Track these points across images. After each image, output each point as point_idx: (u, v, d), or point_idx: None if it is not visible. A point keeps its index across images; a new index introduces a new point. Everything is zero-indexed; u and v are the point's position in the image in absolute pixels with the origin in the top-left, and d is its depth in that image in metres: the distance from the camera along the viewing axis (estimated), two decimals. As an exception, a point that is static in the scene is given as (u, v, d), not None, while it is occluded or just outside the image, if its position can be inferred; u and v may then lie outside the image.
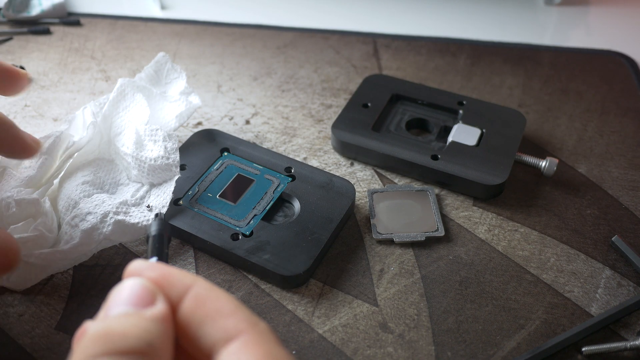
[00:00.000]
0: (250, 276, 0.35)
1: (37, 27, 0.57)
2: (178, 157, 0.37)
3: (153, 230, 0.26)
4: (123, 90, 0.40)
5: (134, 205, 0.36)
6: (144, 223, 0.35)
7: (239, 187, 0.39)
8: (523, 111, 0.48)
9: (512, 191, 0.41)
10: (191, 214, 0.36)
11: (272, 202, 0.38)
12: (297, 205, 0.38)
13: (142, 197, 0.37)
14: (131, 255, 0.36)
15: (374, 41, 0.57)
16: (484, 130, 0.43)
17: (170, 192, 0.36)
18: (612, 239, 0.37)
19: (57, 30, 0.58)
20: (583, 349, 0.32)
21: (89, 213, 0.34)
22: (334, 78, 0.52)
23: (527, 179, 0.42)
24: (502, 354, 0.32)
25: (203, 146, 0.41)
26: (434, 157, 0.41)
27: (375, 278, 0.35)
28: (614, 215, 0.39)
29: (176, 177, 0.37)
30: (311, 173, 0.39)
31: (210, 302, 0.19)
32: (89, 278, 0.35)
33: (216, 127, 0.46)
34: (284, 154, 0.43)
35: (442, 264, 0.36)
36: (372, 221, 0.38)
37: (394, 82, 0.48)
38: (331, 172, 0.42)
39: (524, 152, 0.43)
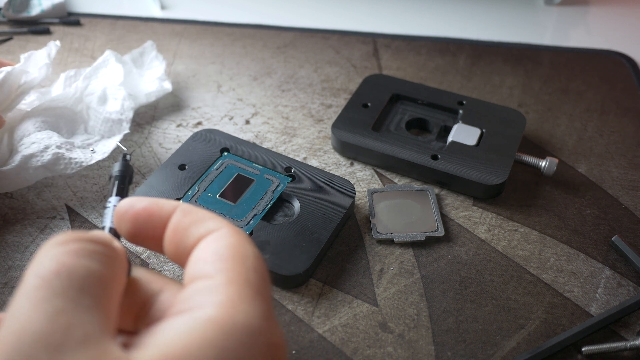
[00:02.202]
0: (250, 276, 0.35)
1: (37, 27, 0.57)
2: (131, 116, 0.42)
3: (117, 170, 0.26)
4: (107, 60, 0.45)
5: (80, 147, 0.39)
6: (83, 161, 0.38)
7: (238, 187, 0.39)
8: (523, 111, 0.48)
9: (512, 191, 0.41)
10: (191, 214, 0.36)
11: (272, 202, 0.38)
12: (297, 205, 0.38)
13: (90, 145, 0.40)
14: (130, 255, 0.36)
15: (374, 41, 0.57)
16: (483, 130, 0.43)
17: (116, 142, 0.40)
18: (612, 239, 0.37)
19: (57, 30, 0.58)
20: (583, 349, 0.31)
21: (33, 142, 0.38)
22: (334, 78, 0.52)
23: (527, 179, 0.42)
24: (502, 353, 0.32)
25: (203, 146, 0.41)
26: (434, 157, 0.41)
27: (375, 278, 0.35)
28: (614, 215, 0.39)
29: (125, 132, 0.41)
30: (311, 173, 0.39)
31: (194, 212, 0.22)
32: (89, 278, 0.35)
33: (216, 127, 0.46)
34: (283, 153, 0.43)
35: (442, 264, 0.36)
36: (372, 221, 0.38)
37: (394, 82, 0.48)
38: (331, 172, 0.42)
39: (524, 152, 0.43)
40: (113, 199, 0.24)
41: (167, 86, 0.47)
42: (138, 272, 0.23)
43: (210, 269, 0.20)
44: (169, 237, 0.22)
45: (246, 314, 0.18)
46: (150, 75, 0.48)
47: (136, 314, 0.21)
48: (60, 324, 0.16)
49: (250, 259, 0.21)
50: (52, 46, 0.43)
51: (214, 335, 0.18)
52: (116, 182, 0.25)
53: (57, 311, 0.17)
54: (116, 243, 0.21)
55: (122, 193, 0.25)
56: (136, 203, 0.23)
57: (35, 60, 0.43)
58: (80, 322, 0.17)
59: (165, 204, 0.23)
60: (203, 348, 0.17)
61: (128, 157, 0.27)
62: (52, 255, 0.18)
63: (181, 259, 0.22)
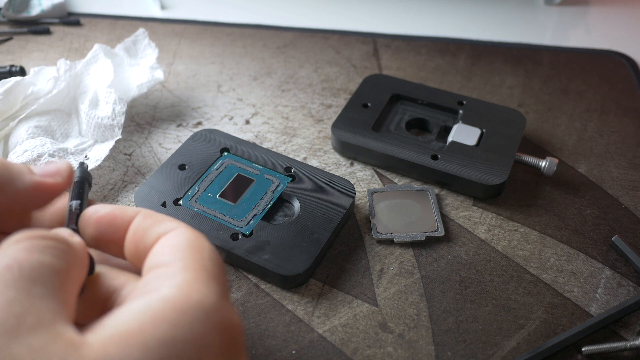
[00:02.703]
0: (250, 276, 0.35)
1: (37, 27, 0.57)
2: (122, 121, 0.41)
3: (76, 176, 0.27)
4: (97, 55, 0.45)
5: (73, 153, 0.39)
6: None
7: (239, 187, 0.39)
8: (523, 111, 0.48)
9: (512, 191, 0.41)
10: (191, 214, 0.36)
11: (272, 202, 0.38)
12: (297, 205, 0.38)
13: (84, 150, 0.40)
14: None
15: (374, 41, 0.57)
16: (484, 130, 0.43)
17: (108, 149, 0.40)
18: (612, 239, 0.37)
19: (57, 30, 0.58)
20: (583, 349, 0.32)
21: (26, 151, 0.37)
22: (334, 78, 0.52)
23: (527, 179, 0.42)
24: (502, 353, 0.32)
25: (203, 146, 0.41)
26: (434, 157, 0.41)
27: (375, 278, 0.35)
28: (614, 215, 0.39)
29: (117, 138, 0.41)
30: (311, 173, 0.39)
31: (155, 216, 0.23)
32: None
33: (216, 127, 0.46)
34: (284, 154, 0.43)
35: (442, 264, 0.36)
36: (372, 221, 0.38)
37: (394, 82, 0.48)
38: (331, 172, 0.42)
39: (524, 152, 0.43)
40: (74, 202, 0.26)
41: (159, 75, 0.46)
42: (101, 269, 0.23)
43: (168, 259, 0.21)
44: (130, 239, 0.23)
45: (201, 293, 0.19)
46: (143, 64, 0.47)
47: (100, 310, 0.22)
48: (13, 312, 0.17)
49: (207, 251, 0.22)
50: (62, 63, 0.43)
51: (167, 312, 0.18)
52: (75, 187, 0.27)
53: (10, 300, 0.17)
54: (75, 239, 0.22)
55: (82, 197, 0.27)
56: (100, 209, 0.24)
57: (44, 75, 0.43)
58: (33, 309, 0.18)
59: (128, 209, 0.24)
60: (157, 324, 0.18)
61: (85, 164, 0.28)
62: (7, 252, 0.19)
63: (140, 258, 0.23)
